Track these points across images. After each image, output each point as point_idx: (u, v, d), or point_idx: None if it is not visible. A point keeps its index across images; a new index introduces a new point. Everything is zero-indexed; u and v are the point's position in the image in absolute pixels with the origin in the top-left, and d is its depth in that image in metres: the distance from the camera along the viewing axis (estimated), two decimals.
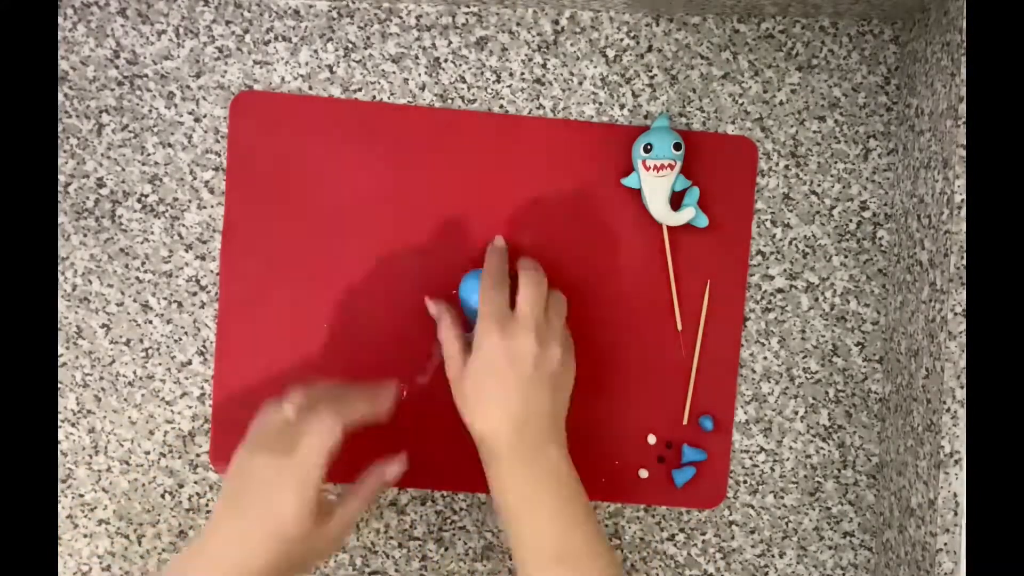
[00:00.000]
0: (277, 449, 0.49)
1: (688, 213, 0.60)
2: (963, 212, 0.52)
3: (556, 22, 0.62)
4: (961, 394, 0.52)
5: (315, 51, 0.62)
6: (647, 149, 0.59)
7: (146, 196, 0.62)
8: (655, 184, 0.59)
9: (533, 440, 0.52)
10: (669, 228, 0.61)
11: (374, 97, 0.62)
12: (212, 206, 0.62)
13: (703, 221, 0.61)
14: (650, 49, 0.62)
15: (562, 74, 0.62)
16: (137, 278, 0.63)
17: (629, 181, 0.60)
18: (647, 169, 0.59)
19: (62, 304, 0.63)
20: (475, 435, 0.53)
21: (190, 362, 0.63)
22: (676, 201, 0.61)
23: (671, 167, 0.59)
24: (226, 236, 0.62)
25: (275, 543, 0.48)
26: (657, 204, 0.60)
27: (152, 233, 0.63)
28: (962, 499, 0.52)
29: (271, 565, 0.48)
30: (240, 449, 0.52)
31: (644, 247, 0.62)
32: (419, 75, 0.62)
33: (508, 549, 0.61)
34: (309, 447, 0.49)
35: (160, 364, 0.63)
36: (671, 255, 0.61)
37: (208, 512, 0.63)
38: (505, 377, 0.51)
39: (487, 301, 0.53)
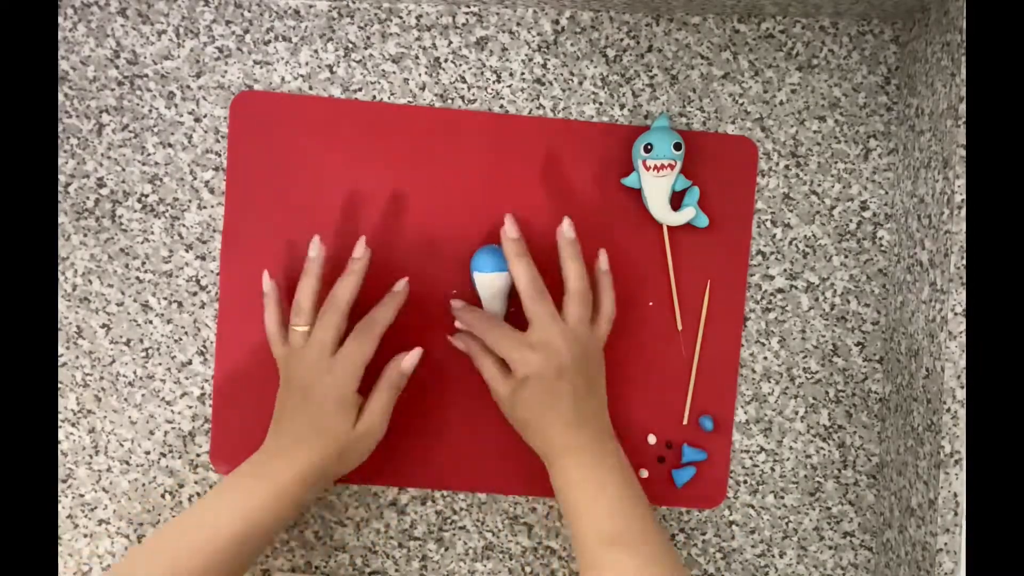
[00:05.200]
0: (318, 369, 0.55)
1: (688, 213, 0.60)
2: (963, 212, 0.52)
3: (556, 22, 0.62)
4: (961, 394, 0.52)
5: (315, 51, 0.62)
6: (647, 149, 0.59)
7: (146, 196, 0.62)
8: (655, 184, 0.59)
9: (590, 438, 0.55)
10: (669, 228, 0.61)
11: (374, 97, 0.62)
12: (212, 206, 0.62)
13: (703, 221, 0.61)
14: (650, 49, 0.62)
15: (562, 74, 0.62)
16: (137, 278, 0.63)
17: (629, 181, 0.60)
18: (647, 169, 0.59)
19: (62, 304, 0.63)
20: (535, 448, 0.57)
21: (190, 362, 0.63)
22: (676, 201, 0.61)
23: (671, 167, 0.59)
24: (226, 236, 0.62)
25: (325, 439, 0.55)
26: (657, 204, 0.60)
27: (152, 233, 0.63)
28: (962, 499, 0.52)
29: (326, 460, 0.55)
30: (282, 381, 0.58)
31: (644, 247, 0.62)
32: (419, 75, 0.62)
33: (567, 538, 0.62)
34: (346, 359, 0.55)
35: (160, 364, 0.63)
36: (671, 255, 0.61)
37: None
38: (557, 393, 0.54)
39: (535, 316, 0.55)
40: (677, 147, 0.59)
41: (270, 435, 0.57)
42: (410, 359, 0.58)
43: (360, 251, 0.57)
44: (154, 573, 0.51)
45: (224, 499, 0.54)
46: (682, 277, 0.62)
